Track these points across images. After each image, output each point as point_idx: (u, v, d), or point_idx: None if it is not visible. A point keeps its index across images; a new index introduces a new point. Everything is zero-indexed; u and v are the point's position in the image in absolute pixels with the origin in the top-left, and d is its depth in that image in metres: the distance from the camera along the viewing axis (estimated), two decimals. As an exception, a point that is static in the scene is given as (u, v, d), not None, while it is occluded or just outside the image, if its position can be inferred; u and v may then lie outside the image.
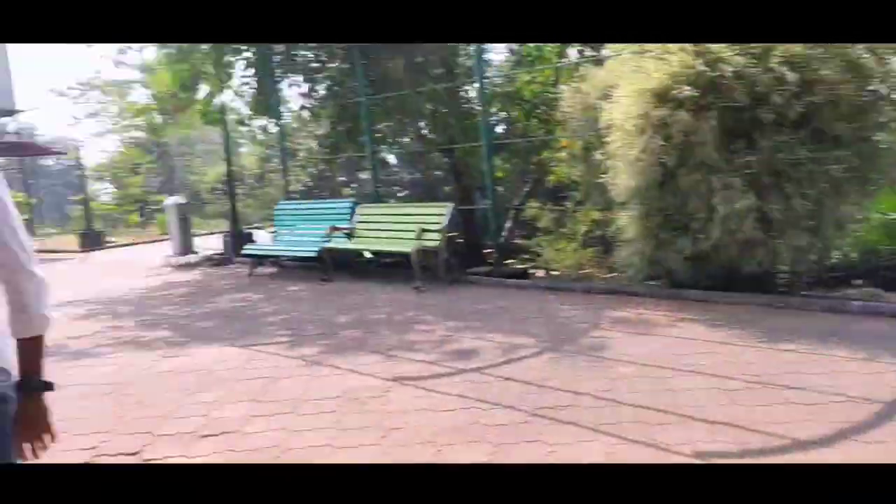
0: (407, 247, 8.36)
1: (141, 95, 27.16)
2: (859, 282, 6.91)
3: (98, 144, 30.86)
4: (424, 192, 10.42)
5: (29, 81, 64.05)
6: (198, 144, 31.17)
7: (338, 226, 9.65)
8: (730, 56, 5.99)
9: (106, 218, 24.88)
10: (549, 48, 11.84)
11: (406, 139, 11.23)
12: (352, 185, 13.89)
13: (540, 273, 8.70)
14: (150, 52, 26.41)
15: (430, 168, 10.39)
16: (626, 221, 6.96)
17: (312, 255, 9.50)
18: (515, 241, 9.80)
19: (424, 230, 8.32)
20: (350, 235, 9.62)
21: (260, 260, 10.81)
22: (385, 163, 13.13)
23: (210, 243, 14.22)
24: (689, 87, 6.10)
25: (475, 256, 9.92)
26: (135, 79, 29.88)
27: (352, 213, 9.91)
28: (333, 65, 11.47)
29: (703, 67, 6.11)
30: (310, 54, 11.89)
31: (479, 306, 7.14)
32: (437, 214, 8.64)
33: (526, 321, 6.34)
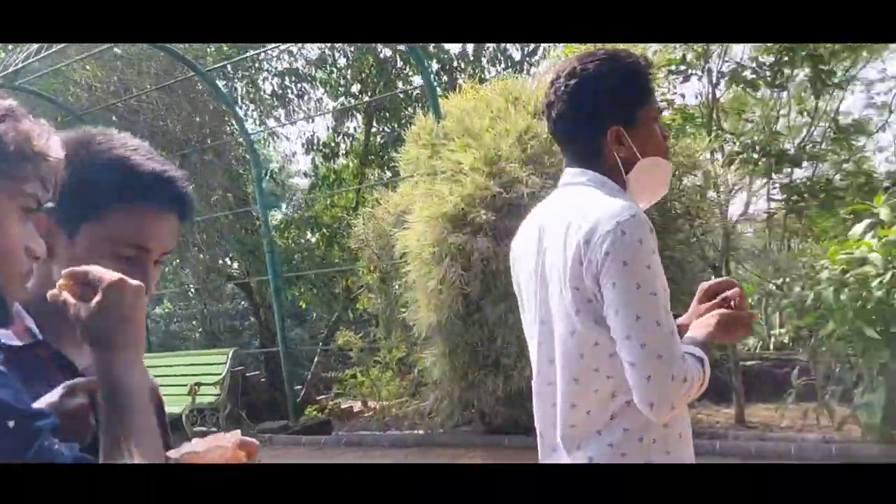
0: (178, 406, 6.92)
1: None
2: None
3: None
4: (209, 334, 9.12)
5: None
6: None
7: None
8: (526, 176, 5.50)
9: None
10: (349, 170, 11.21)
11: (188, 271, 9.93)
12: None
13: (357, 406, 7.84)
14: None
15: (212, 305, 9.13)
16: (431, 360, 6.12)
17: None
18: (327, 373, 8.65)
19: (199, 384, 6.95)
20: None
21: None
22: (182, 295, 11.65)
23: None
24: (485, 211, 5.51)
25: (280, 404, 8.58)
26: None
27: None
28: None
29: (498, 189, 5.56)
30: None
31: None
32: (216, 363, 7.30)
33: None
